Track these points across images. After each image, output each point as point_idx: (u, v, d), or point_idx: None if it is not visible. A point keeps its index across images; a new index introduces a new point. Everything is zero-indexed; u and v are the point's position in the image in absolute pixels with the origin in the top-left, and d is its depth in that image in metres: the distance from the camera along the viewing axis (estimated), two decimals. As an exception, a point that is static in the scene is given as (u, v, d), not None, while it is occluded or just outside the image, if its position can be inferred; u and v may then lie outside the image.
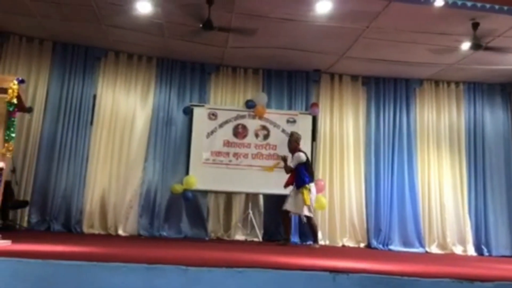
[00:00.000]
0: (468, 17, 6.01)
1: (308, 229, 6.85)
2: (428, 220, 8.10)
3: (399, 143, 8.30)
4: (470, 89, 8.58)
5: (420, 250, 7.83)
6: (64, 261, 2.47)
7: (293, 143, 6.89)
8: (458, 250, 7.91)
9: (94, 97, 7.85)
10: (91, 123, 7.76)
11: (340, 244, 7.88)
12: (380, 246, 7.85)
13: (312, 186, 6.59)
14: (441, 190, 8.20)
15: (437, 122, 8.48)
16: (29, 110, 6.94)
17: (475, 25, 6.11)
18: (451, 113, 8.51)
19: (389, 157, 8.25)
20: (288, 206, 6.58)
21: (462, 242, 7.98)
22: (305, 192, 6.42)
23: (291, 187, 6.71)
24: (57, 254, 2.96)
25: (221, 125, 8.00)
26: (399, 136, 8.33)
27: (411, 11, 6.00)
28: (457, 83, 8.60)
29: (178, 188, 7.57)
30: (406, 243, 7.94)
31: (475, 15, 5.93)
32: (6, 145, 3.64)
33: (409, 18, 6.21)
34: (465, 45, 6.59)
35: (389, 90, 8.53)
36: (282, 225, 7.02)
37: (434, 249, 7.92)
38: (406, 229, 7.99)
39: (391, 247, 7.85)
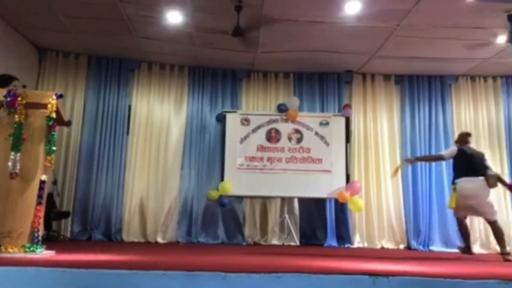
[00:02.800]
0: (503, 9, 5.84)
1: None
2: (470, 219, 7.82)
3: (436, 142, 8.12)
4: (509, 83, 8.33)
5: (463, 250, 7.62)
6: (106, 270, 2.53)
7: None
8: (503, 249, 7.65)
9: (130, 107, 8.04)
10: (128, 133, 7.95)
11: (379, 246, 7.76)
12: (421, 247, 7.69)
13: (458, 184, 5.58)
14: (482, 188, 7.96)
15: (475, 118, 8.25)
16: (68, 123, 7.14)
17: (511, 17, 5.93)
18: (489, 109, 8.28)
19: (426, 156, 8.08)
20: None
21: (507, 241, 7.69)
22: (452, 192, 5.77)
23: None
24: (99, 263, 3.04)
25: (254, 130, 8.02)
26: (435, 134, 8.16)
27: (443, 6, 5.88)
28: (494, 78, 8.35)
29: (214, 194, 7.64)
30: (447, 243, 7.73)
31: (510, 7, 5.76)
32: (48, 158, 3.77)
33: (441, 13, 6.09)
34: (501, 38, 6.40)
35: (423, 87, 8.36)
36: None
37: (477, 248, 7.66)
38: (447, 229, 7.79)
39: (432, 247, 7.68)
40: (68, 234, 7.39)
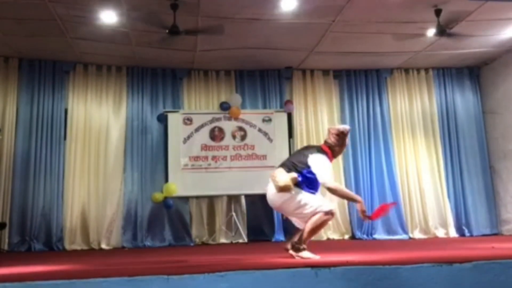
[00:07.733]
0: (431, 4, 6.10)
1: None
2: (409, 206, 8.20)
3: (374, 133, 8.38)
4: (440, 75, 8.72)
5: (404, 236, 7.93)
6: (43, 281, 2.43)
7: None
8: (440, 233, 8.03)
9: (66, 111, 7.74)
10: (65, 137, 7.65)
11: (324, 238, 7.92)
12: (364, 236, 7.92)
13: None
14: (420, 175, 8.30)
15: (410, 109, 8.59)
16: (-3, 131, 6.81)
17: (438, 12, 6.20)
18: (423, 100, 8.64)
19: (365, 148, 8.33)
20: None
21: (444, 225, 8.10)
22: None
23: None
24: (36, 275, 2.91)
25: (197, 129, 7.96)
26: (374, 126, 8.41)
27: (375, 2, 6.06)
28: (426, 70, 8.72)
29: (159, 196, 7.51)
30: (389, 231, 8.01)
31: (437, 1, 6.03)
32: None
33: (374, 9, 6.27)
34: (430, 32, 6.69)
35: (361, 81, 8.60)
36: None
37: (417, 234, 8.02)
38: (389, 217, 8.04)
39: (375, 236, 7.92)
40: (6, 246, 7.03)
